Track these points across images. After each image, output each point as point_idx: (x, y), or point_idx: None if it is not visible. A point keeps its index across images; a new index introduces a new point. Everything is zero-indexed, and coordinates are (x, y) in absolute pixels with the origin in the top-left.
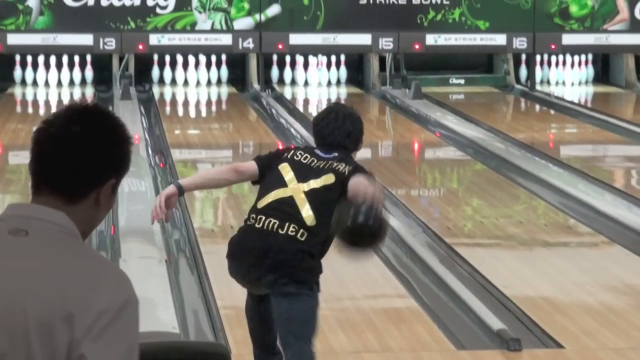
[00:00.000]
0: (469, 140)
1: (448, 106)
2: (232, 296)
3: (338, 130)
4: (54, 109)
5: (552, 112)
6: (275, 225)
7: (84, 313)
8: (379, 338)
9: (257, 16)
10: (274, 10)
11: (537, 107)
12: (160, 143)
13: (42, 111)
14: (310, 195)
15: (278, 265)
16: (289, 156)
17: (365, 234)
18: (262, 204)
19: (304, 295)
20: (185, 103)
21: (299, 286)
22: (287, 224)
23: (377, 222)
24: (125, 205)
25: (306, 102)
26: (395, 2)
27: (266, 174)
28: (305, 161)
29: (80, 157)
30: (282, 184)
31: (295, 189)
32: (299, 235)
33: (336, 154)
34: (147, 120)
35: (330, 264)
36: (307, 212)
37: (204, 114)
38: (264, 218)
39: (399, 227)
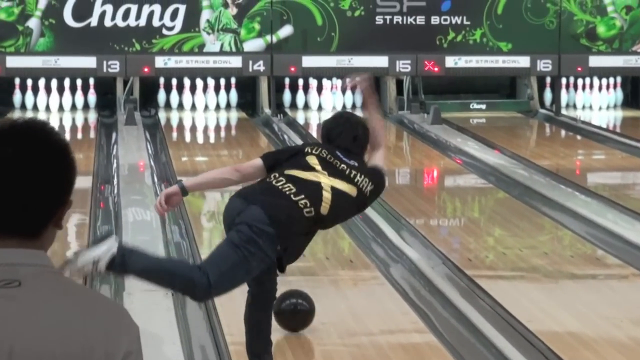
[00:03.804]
0: (490, 167)
1: (469, 132)
2: (241, 331)
3: (346, 133)
4: None
5: (578, 137)
6: (291, 192)
7: None
8: None
9: (268, 37)
10: (285, 31)
11: (563, 132)
12: (166, 171)
13: None
14: (336, 192)
15: (272, 221)
16: (313, 152)
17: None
18: (289, 172)
19: (240, 249)
20: (193, 129)
21: (247, 242)
22: (302, 197)
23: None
24: (130, 236)
25: (320, 127)
26: (413, 22)
27: (285, 161)
28: (330, 160)
29: (38, 191)
30: (313, 170)
31: (324, 180)
32: (305, 211)
33: (355, 163)
34: (152, 147)
35: (345, 298)
36: (326, 202)
37: (212, 140)
38: (284, 181)
39: (417, 259)
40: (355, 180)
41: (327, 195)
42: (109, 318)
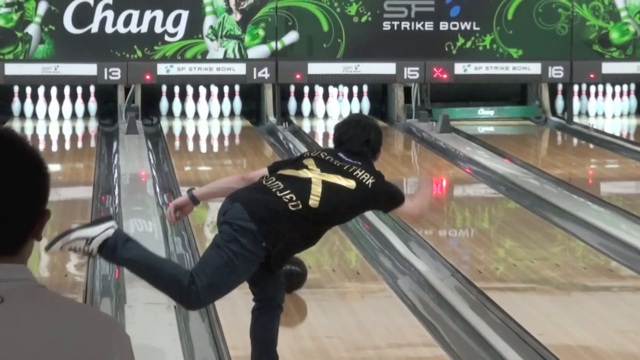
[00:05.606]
0: (501, 177)
1: (478, 140)
2: (245, 345)
3: (357, 137)
4: (54, 144)
5: (591, 146)
6: (278, 188)
7: None
8: None
9: (273, 44)
10: (291, 37)
11: (575, 140)
12: (169, 180)
13: (42, 147)
14: (327, 185)
15: (252, 216)
16: (313, 155)
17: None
18: (281, 172)
19: (224, 249)
20: (196, 137)
21: (229, 242)
22: (287, 192)
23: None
24: None
25: (326, 136)
26: (422, 28)
27: (285, 167)
28: (328, 160)
29: (14, 206)
30: (305, 168)
31: (315, 175)
32: (291, 205)
33: (359, 162)
34: (154, 156)
35: (352, 310)
36: (315, 196)
37: (215, 149)
38: (273, 180)
39: (425, 271)
40: (355, 174)
41: (317, 188)
42: (99, 330)
